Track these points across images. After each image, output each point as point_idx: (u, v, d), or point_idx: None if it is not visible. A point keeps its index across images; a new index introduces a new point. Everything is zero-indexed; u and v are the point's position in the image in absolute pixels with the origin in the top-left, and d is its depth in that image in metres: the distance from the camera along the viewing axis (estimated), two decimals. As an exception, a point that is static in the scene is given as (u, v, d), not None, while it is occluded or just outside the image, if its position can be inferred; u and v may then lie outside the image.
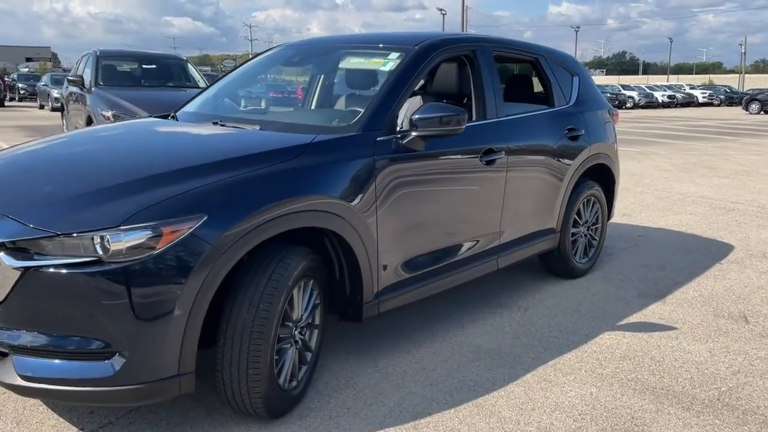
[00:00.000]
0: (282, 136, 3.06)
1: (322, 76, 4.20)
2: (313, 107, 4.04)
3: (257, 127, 3.23)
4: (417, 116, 3.15)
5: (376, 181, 3.02)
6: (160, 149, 3.09)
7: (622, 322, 3.95)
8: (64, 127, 11.44)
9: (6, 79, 35.54)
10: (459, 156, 3.52)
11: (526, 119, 4.16)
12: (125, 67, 9.76)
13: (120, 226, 2.25)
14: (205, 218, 2.35)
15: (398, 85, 3.32)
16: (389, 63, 3.48)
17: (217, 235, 2.37)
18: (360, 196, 2.94)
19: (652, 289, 4.59)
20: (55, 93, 23.04)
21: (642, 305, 4.26)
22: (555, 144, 4.31)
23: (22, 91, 34.36)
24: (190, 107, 3.96)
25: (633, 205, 7.66)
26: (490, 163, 3.70)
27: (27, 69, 50.36)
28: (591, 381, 3.16)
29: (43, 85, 27.29)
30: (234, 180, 2.55)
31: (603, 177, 4.99)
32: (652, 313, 4.14)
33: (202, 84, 9.86)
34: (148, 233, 2.26)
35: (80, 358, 2.30)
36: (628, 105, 41.09)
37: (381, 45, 3.78)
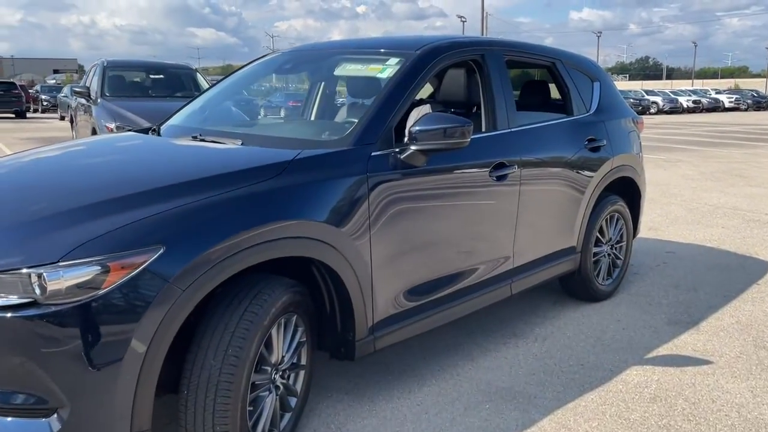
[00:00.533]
0: (263, 153, 2.73)
1: (318, 85, 3.87)
2: (306, 118, 3.71)
3: (239, 142, 2.90)
4: (417, 128, 2.81)
5: (370, 201, 2.67)
6: (121, 169, 2.77)
7: (650, 355, 3.54)
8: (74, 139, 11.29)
9: (30, 90, 35.92)
10: (465, 171, 3.16)
11: (541, 129, 3.79)
12: (133, 77, 9.55)
13: (59, 261, 1.93)
14: (161, 250, 2.03)
15: (396, 94, 2.97)
16: (387, 69, 3.14)
17: (176, 270, 2.04)
18: (350, 218, 2.60)
19: (683, 315, 4.17)
20: (73, 104, 23.11)
21: (673, 334, 3.85)
22: (574, 156, 3.93)
23: (45, 103, 34.65)
24: (175, 119, 3.66)
25: (660, 218, 7.21)
26: (501, 178, 3.34)
27: (53, 81, 50.89)
28: (617, 429, 2.77)
29: (63, 96, 27.42)
30: (200, 204, 2.22)
31: (627, 191, 4.59)
32: (684, 343, 3.73)
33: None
34: (93, 269, 1.94)
35: (14, 414, 1.97)
36: (652, 110, 40.29)
37: (379, 50, 3.44)
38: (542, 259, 3.79)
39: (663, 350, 3.62)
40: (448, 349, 3.58)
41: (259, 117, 3.55)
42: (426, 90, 4.25)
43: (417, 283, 2.99)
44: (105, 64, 9.19)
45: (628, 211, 4.52)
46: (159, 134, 3.42)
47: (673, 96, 43.87)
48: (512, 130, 3.53)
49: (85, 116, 9.31)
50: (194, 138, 3.04)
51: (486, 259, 3.37)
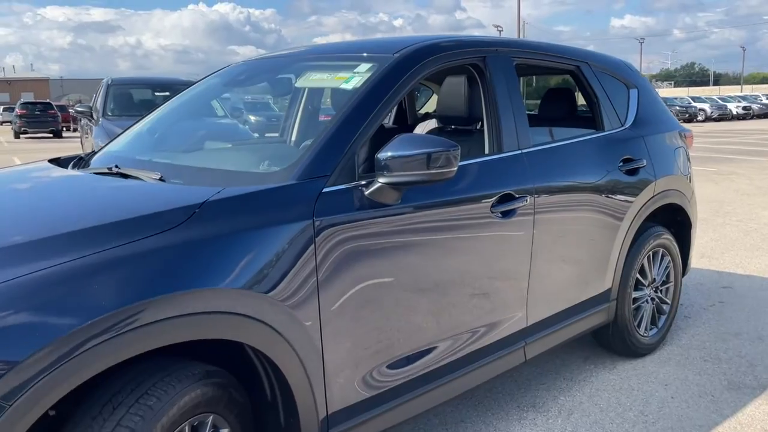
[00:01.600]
0: (172, 192, 2.07)
1: (279, 101, 3.21)
2: (260, 140, 3.01)
3: (157, 176, 2.24)
4: (386, 155, 2.11)
5: (318, 255, 1.98)
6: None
7: (708, 440, 2.74)
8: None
9: (70, 110, 36.41)
10: (457, 208, 2.43)
11: (562, 149, 3.03)
12: (139, 95, 9.09)
13: None
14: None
15: (363, 110, 2.28)
16: (354, 79, 2.44)
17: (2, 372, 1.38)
18: (289, 281, 1.91)
19: (747, 375, 3.34)
20: (82, 124, 23.14)
21: (736, 404, 3.03)
22: (605, 180, 3.16)
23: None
24: (112, 146, 3.03)
25: (712, 243, 6.31)
26: (507, 214, 2.60)
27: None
28: None
29: (98, 115, 27.57)
30: (55, 271, 1.56)
31: (674, 220, 3.78)
32: (752, 418, 2.90)
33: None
34: None
35: None
36: (700, 118, 38.59)
37: (348, 54, 2.75)
38: (565, 312, 3.02)
39: (724, 429, 2.80)
40: (445, 428, 2.83)
41: (207, 140, 2.92)
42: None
43: (391, 358, 2.27)
44: (109, 82, 8.75)
45: (675, 245, 3.70)
46: (88, 164, 2.80)
47: (721, 102, 42.03)
48: (523, 151, 2.79)
49: (89, 138, 8.89)
50: (109, 170, 2.40)
51: (490, 319, 2.63)
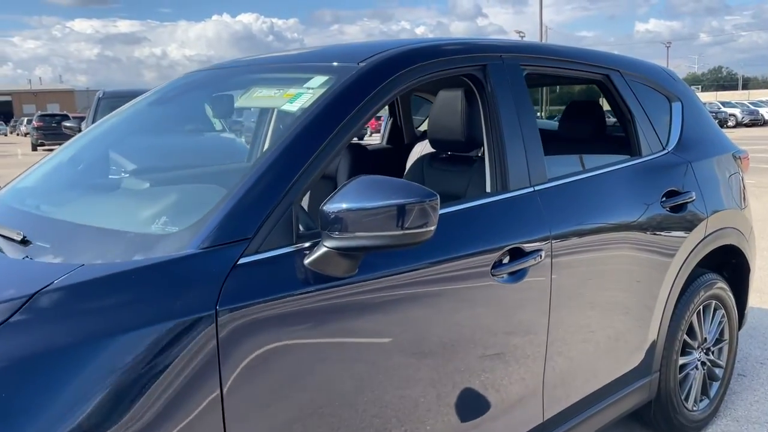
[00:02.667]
0: (7, 271, 1.43)
1: (217, 125, 2.57)
2: (180, 179, 2.35)
3: (19, 237, 1.60)
4: (336, 207, 1.46)
5: (224, 372, 1.34)
6: None
7: None
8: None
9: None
10: (443, 276, 1.76)
11: (587, 184, 2.35)
12: (132, 109, 8.54)
13: None
14: None
15: (307, 141, 1.63)
16: (302, 97, 1.79)
17: None
18: (175, 413, 1.26)
19: (830, 467, 2.60)
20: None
21: None
22: (644, 222, 2.46)
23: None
24: (22, 180, 2.42)
25: (761, 272, 5.52)
26: (514, 276, 1.93)
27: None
28: None
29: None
30: None
31: (728, 263, 3.06)
32: None
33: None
34: None
35: None
36: (730, 124, 37.27)
37: (301, 64, 2.10)
38: (594, 396, 2.33)
39: None
40: None
41: (130, 176, 2.29)
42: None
43: (346, 493, 1.60)
44: (100, 96, 8.23)
45: (730, 294, 2.98)
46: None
47: (752, 107, 40.63)
48: (537, 188, 2.12)
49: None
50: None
51: (491, 416, 1.95)
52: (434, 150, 2.59)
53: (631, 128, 2.66)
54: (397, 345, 1.67)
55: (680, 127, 2.85)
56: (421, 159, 2.61)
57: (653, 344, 2.56)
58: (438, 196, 1.49)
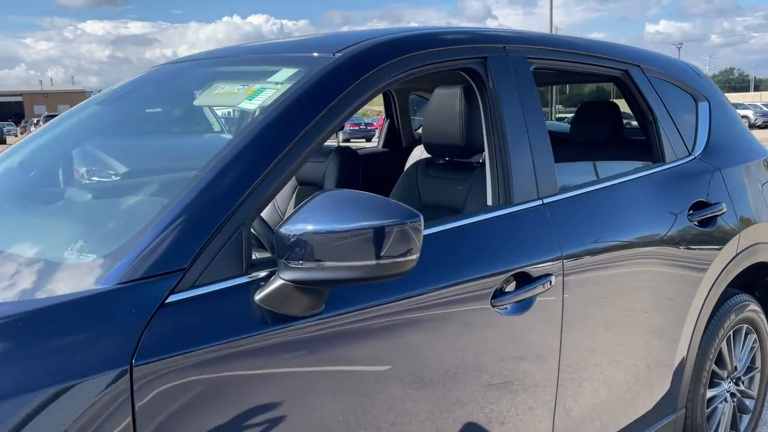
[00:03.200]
0: None
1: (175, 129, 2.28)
2: (125, 189, 2.04)
3: None
4: (295, 228, 1.17)
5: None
6: None
7: None
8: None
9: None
10: (432, 308, 1.47)
11: (604, 195, 2.04)
12: (128, 110, 8.27)
13: None
14: None
15: (263, 148, 1.34)
16: (263, 93, 1.50)
17: None
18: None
19: None
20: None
21: None
22: (669, 238, 2.15)
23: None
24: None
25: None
26: (519, 306, 1.63)
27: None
28: None
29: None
30: None
31: (760, 282, 2.74)
32: None
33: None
34: None
35: None
36: (743, 125, 36.75)
37: (268, 55, 1.81)
38: (612, 440, 2.02)
39: None
40: None
41: (84, 183, 2.01)
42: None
43: None
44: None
45: (763, 317, 2.66)
46: None
47: (766, 109, 40.07)
48: (546, 201, 1.82)
49: (73, 156, 8.10)
50: None
51: (491, 472, 1.65)
52: (426, 157, 2.29)
53: (653, 131, 2.34)
54: (374, 406, 1.37)
55: (708, 129, 2.54)
56: (416, 165, 2.31)
57: (679, 377, 2.25)
58: (421, 217, 1.20)
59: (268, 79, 1.56)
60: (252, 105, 1.46)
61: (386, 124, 3.56)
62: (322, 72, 1.50)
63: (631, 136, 2.89)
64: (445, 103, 2.05)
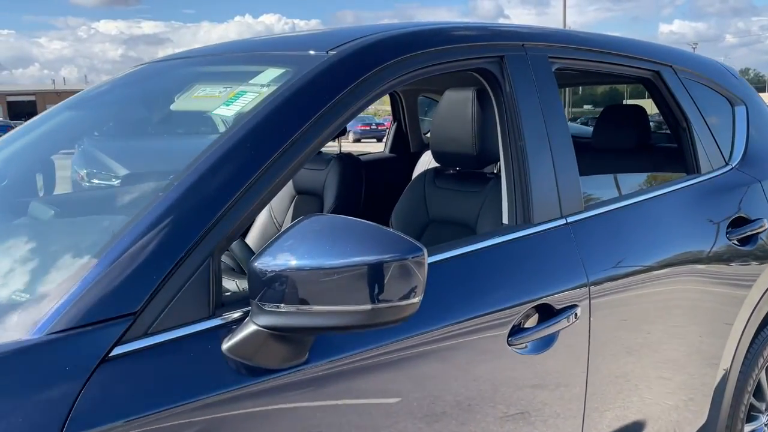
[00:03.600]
0: None
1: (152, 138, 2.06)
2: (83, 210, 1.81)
3: None
4: (272, 262, 0.96)
5: None
6: None
7: None
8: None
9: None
10: (438, 350, 1.25)
11: (634, 212, 1.81)
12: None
13: None
14: None
15: (239, 163, 1.13)
16: (243, 97, 1.29)
17: None
18: None
19: None
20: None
21: None
22: (705, 259, 1.92)
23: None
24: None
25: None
26: (542, 343, 1.42)
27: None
28: None
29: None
30: None
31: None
32: None
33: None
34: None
35: None
36: (759, 127, 36.19)
37: (258, 54, 1.60)
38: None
39: None
40: None
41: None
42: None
43: None
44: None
45: (805, 344, 2.42)
46: None
47: (782, 110, 39.45)
48: (570, 220, 1.60)
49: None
50: None
51: None
52: (435, 167, 2.08)
53: (686, 138, 2.11)
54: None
55: (746, 136, 2.30)
56: (423, 176, 2.10)
57: (717, 408, 2.02)
58: (425, 251, 0.98)
59: (250, 81, 1.35)
60: (229, 111, 1.26)
61: (393, 128, 3.34)
62: (312, 73, 1.29)
63: (658, 142, 2.66)
64: (455, 108, 1.84)
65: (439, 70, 1.51)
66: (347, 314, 0.95)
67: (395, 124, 3.33)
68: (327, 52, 1.36)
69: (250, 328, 0.99)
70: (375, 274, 0.95)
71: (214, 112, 1.32)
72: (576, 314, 1.48)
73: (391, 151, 3.31)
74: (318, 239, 0.97)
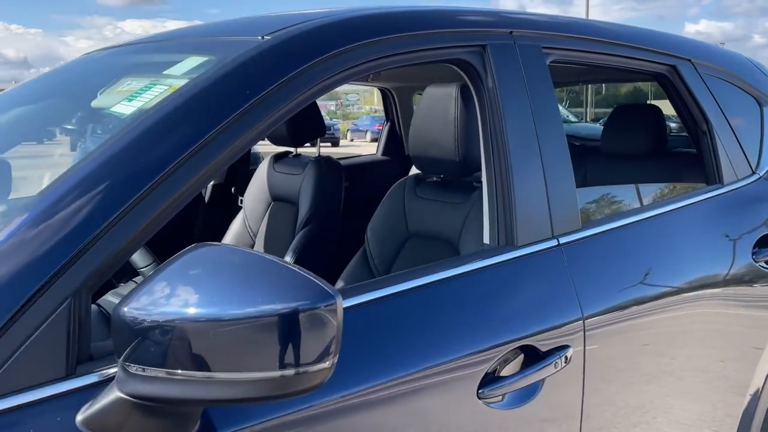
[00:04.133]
0: None
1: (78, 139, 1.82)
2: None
3: None
4: (137, 310, 0.71)
5: None
6: None
7: None
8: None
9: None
10: (386, 407, 1.00)
11: (643, 230, 1.54)
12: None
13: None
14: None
15: (125, 175, 0.89)
16: (150, 90, 1.06)
17: None
18: None
19: None
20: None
21: None
22: (728, 282, 1.65)
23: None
24: None
25: None
26: (522, 394, 1.15)
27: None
28: None
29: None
30: None
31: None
32: None
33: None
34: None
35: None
36: (788, 129, 35.28)
37: (186, 41, 1.37)
38: None
39: None
40: None
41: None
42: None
43: None
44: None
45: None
46: None
47: (812, 112, 38.45)
48: (563, 240, 1.34)
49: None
50: None
51: None
52: (416, 174, 1.83)
53: (707, 144, 1.83)
54: None
55: (776, 142, 2.01)
56: (402, 184, 1.85)
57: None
58: (339, 298, 0.73)
59: (164, 72, 1.11)
60: (129, 108, 1.02)
61: (386, 128, 3.09)
62: (235, 62, 1.04)
63: (675, 147, 2.38)
64: (437, 106, 1.59)
65: (403, 61, 1.27)
66: (236, 384, 0.71)
67: (388, 124, 3.08)
68: (262, 38, 1.12)
69: (111, 396, 0.75)
70: (275, 329, 0.71)
71: (111, 109, 1.08)
72: (566, 357, 1.22)
73: (383, 153, 3.06)
74: (202, 280, 0.73)
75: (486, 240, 1.34)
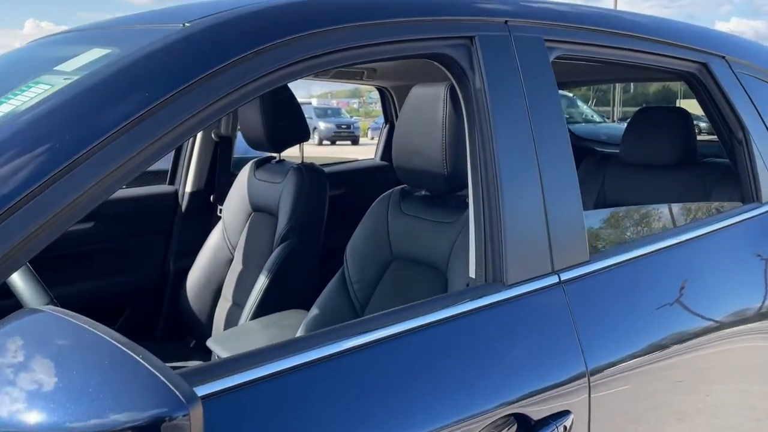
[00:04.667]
0: None
1: None
2: None
3: None
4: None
5: None
6: None
7: None
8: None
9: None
10: None
11: (666, 260, 1.28)
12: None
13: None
14: None
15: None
16: (31, 89, 0.83)
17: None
18: None
19: None
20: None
21: None
22: (763, 327, 1.38)
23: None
24: None
25: None
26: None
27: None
28: None
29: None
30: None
31: None
32: None
33: None
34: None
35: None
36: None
37: (100, 31, 1.14)
38: None
39: None
40: None
41: None
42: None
43: None
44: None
45: None
46: None
47: None
48: (565, 277, 1.09)
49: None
50: None
51: None
52: (402, 187, 1.59)
53: (743, 155, 1.56)
54: None
55: (824, 152, 1.73)
56: (387, 198, 1.61)
57: None
58: (198, 403, 0.50)
59: (56, 68, 0.89)
60: (5, 108, 0.80)
61: (385, 131, 2.85)
62: (143, 53, 0.82)
63: (704, 155, 2.11)
64: (423, 110, 1.35)
65: (369, 56, 1.03)
66: None
67: (386, 126, 2.84)
68: (183, 26, 0.89)
69: None
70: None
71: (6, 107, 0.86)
72: (565, 427, 0.98)
73: (382, 158, 2.82)
74: (18, 371, 0.50)
75: (471, 274, 1.10)
